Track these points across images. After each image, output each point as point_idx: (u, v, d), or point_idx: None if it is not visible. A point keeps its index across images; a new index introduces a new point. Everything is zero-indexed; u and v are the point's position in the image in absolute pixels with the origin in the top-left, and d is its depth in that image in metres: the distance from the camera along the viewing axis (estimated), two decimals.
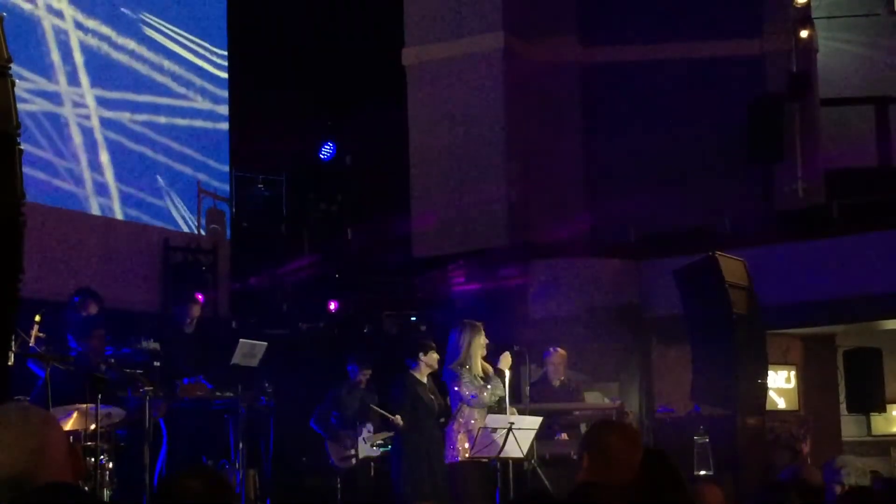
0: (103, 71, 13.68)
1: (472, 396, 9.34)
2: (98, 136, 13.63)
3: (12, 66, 5.48)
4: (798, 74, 16.05)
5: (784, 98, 15.92)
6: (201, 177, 14.63)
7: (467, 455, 9.19)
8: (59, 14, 13.28)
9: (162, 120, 14.30)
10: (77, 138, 13.36)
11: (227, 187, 14.88)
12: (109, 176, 13.68)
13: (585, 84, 16.35)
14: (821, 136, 16.61)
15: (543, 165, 15.80)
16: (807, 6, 16.20)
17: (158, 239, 13.88)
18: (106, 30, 13.78)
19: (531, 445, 9.32)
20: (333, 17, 16.01)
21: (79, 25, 13.48)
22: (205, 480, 3.36)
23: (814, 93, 16.42)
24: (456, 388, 9.39)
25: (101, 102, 13.65)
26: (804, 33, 16.12)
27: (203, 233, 14.49)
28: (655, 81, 15.75)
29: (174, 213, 14.33)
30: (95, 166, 13.52)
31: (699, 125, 15.55)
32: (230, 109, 15.04)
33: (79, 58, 13.43)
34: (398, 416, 10.13)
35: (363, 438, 11.14)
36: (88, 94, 13.53)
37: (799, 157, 15.98)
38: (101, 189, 13.57)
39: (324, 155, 14.79)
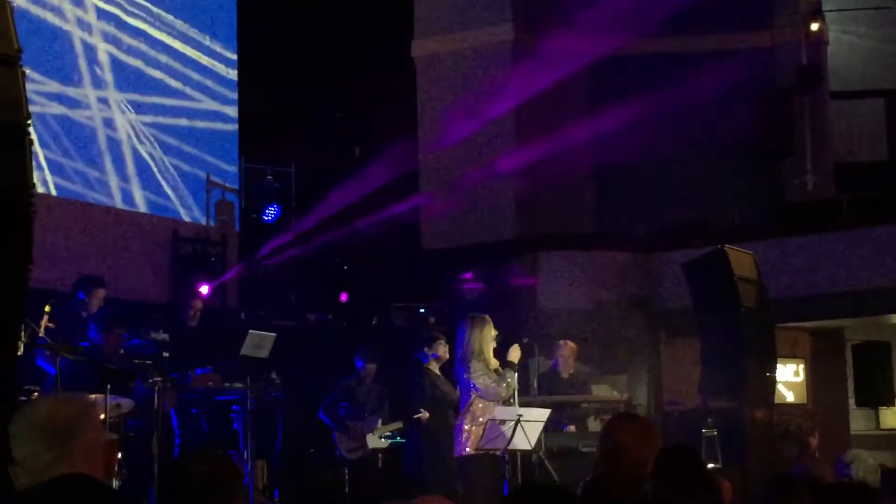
0: (118, 72, 13.74)
1: (490, 389, 9.33)
2: (119, 130, 13.68)
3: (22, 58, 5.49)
4: (808, 67, 16.00)
5: (794, 91, 15.88)
6: (211, 168, 14.66)
7: (476, 448, 9.19)
8: (86, 25, 13.35)
9: (171, 114, 14.32)
10: (89, 132, 13.40)
11: (236, 178, 14.90)
12: (120, 167, 13.71)
13: (595, 76, 16.32)
14: (830, 130, 16.57)
15: (552, 157, 15.78)
16: None
17: (168, 230, 13.91)
18: (121, 34, 13.83)
19: (539, 437, 9.34)
20: (344, 8, 16.00)
21: (101, 32, 13.55)
22: (212, 465, 3.39)
23: (824, 86, 16.38)
24: (472, 381, 9.37)
25: (114, 100, 13.69)
26: (814, 26, 16.08)
27: (212, 224, 14.51)
28: (665, 74, 15.71)
29: (183, 205, 14.35)
30: (106, 158, 13.55)
31: (709, 118, 15.51)
32: (239, 100, 15.08)
33: (103, 63, 13.51)
34: (424, 413, 10.19)
35: (372, 430, 11.17)
36: (98, 92, 13.56)
37: (808, 150, 15.95)
38: (112, 180, 13.59)
39: (267, 217, 14.65)
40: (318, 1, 15.94)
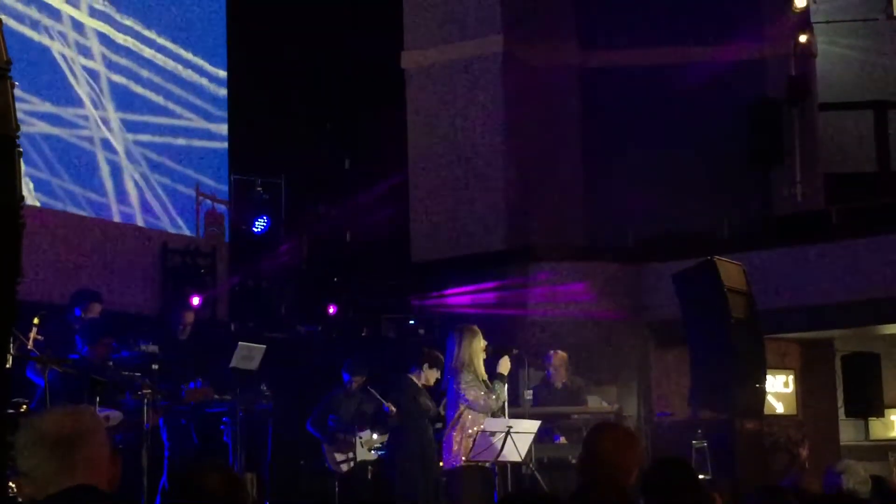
0: (106, 90, 13.74)
1: (479, 401, 9.31)
2: (108, 147, 13.66)
3: (14, 75, 5.48)
4: (797, 79, 16.05)
5: (783, 102, 15.92)
6: (200, 180, 14.64)
7: (467, 460, 9.18)
8: (74, 44, 13.35)
9: (161, 132, 14.29)
10: (78, 150, 13.38)
11: (225, 190, 14.88)
12: (107, 184, 13.68)
13: (585, 88, 16.35)
14: (820, 141, 16.61)
15: (542, 169, 15.80)
16: (806, 11, 16.20)
17: (157, 241, 13.88)
18: (110, 53, 13.82)
19: (529, 449, 9.33)
20: (333, 19, 16.00)
21: (90, 51, 13.54)
22: (224, 476, 3.38)
23: (813, 97, 16.43)
24: (461, 393, 9.36)
25: (102, 119, 13.68)
26: (803, 38, 16.13)
27: (202, 235, 14.49)
28: (655, 85, 15.75)
29: (173, 216, 14.33)
30: (94, 176, 13.53)
31: (698, 129, 15.55)
32: (229, 111, 15.06)
33: (92, 81, 13.52)
34: (392, 407, 10.25)
35: (361, 442, 11.14)
36: (86, 111, 13.55)
37: (798, 162, 15.99)
38: (101, 192, 13.57)
39: (257, 229, 14.62)
40: (307, 12, 15.94)
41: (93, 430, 3.20)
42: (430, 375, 10.14)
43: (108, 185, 13.63)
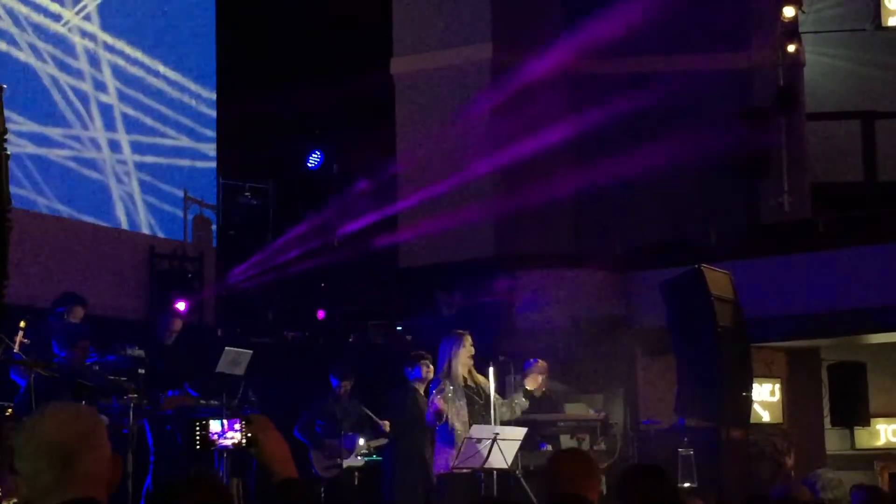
0: (97, 110, 13.73)
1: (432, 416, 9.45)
2: (97, 166, 13.65)
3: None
4: (785, 88, 16.09)
5: (771, 111, 15.96)
6: (188, 184, 14.62)
7: (453, 466, 9.19)
8: (61, 63, 13.34)
9: (149, 152, 14.26)
10: (65, 168, 13.36)
11: (213, 195, 14.86)
12: (96, 202, 13.66)
13: (574, 95, 16.36)
14: (807, 150, 16.65)
15: (531, 176, 15.80)
16: (794, 20, 16.24)
17: (144, 246, 13.85)
18: (95, 72, 13.80)
19: (516, 456, 9.33)
20: (322, 25, 16.00)
21: (76, 71, 13.54)
22: (207, 491, 3.34)
23: (800, 107, 16.47)
24: (430, 406, 9.48)
25: (88, 138, 13.66)
26: (791, 47, 16.17)
27: (189, 240, 14.46)
28: (643, 93, 15.76)
29: (160, 221, 14.30)
30: (83, 190, 13.51)
31: (686, 137, 15.56)
32: (217, 115, 15.03)
33: (77, 101, 13.51)
34: (387, 423, 10.28)
35: (353, 448, 11.13)
36: (73, 131, 13.53)
37: (785, 171, 16.02)
38: (88, 211, 13.52)
39: (311, 163, 14.84)
40: (297, 16, 15.93)
41: (93, 437, 3.13)
42: (428, 373, 10.26)
43: (95, 202, 13.58)
